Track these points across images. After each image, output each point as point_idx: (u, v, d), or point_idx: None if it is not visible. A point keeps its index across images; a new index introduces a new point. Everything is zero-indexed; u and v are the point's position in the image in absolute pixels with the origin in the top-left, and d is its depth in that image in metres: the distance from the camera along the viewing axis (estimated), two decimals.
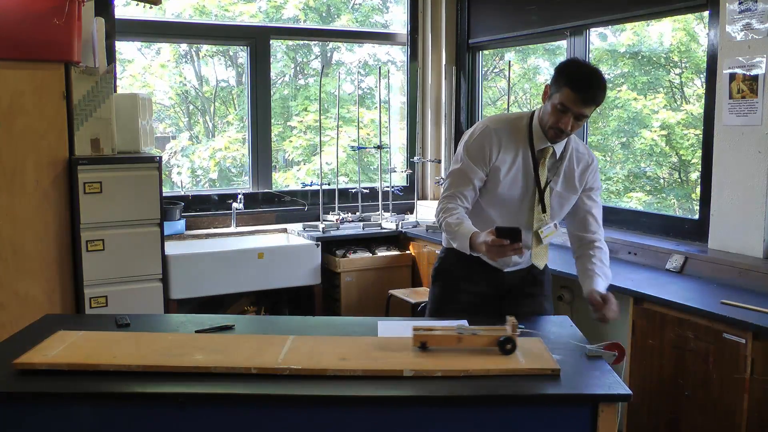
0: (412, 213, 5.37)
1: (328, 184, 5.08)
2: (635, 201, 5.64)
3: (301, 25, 6.04)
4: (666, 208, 5.56)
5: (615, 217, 4.04)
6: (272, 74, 5.29)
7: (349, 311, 4.64)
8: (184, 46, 5.78)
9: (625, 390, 1.83)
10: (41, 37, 3.39)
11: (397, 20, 5.82)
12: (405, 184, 5.51)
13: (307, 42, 6.17)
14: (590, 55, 4.46)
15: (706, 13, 3.56)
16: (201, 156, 5.78)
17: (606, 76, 2.38)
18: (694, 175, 5.37)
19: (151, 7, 4.48)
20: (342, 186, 5.24)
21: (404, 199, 5.36)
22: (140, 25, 4.71)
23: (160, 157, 3.75)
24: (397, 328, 2.31)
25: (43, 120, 3.49)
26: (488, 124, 2.47)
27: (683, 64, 5.70)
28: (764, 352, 2.56)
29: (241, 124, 5.74)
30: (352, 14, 6.28)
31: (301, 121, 6.16)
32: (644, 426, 3.08)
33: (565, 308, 3.71)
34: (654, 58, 5.75)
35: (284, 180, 5.88)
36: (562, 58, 4.84)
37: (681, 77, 5.79)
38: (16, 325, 2.53)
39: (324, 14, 6.32)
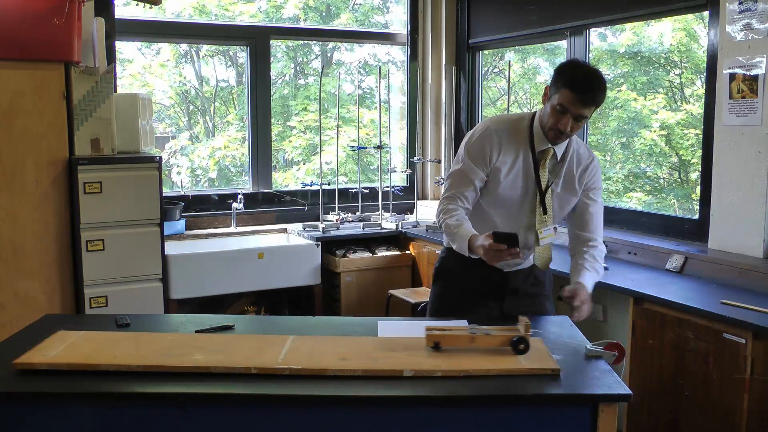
0: (412, 213, 5.37)
1: (328, 184, 5.08)
2: (635, 201, 5.64)
3: (301, 24, 6.04)
4: (666, 208, 5.56)
5: (615, 217, 4.04)
6: (272, 74, 5.29)
7: (349, 311, 4.64)
8: (184, 46, 5.78)
9: (625, 390, 1.83)
10: (41, 37, 3.39)
11: (397, 20, 5.82)
12: (405, 184, 5.51)
13: (307, 42, 6.17)
14: (590, 55, 4.46)
15: (706, 13, 3.56)
16: (200, 155, 5.77)
17: (606, 77, 2.38)
18: (694, 175, 5.37)
19: (151, 7, 4.48)
20: (342, 186, 5.24)
21: (404, 199, 5.36)
22: (140, 25, 4.71)
23: (160, 157, 3.75)
24: (397, 328, 2.31)
25: (43, 120, 3.49)
26: (489, 124, 2.47)
27: (683, 64, 5.69)
28: (764, 352, 2.56)
29: (241, 124, 5.74)
30: (352, 14, 6.28)
31: (301, 121, 6.16)
32: (644, 426, 3.08)
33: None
34: (654, 58, 5.75)
35: (284, 180, 5.87)
36: (562, 58, 4.85)
37: (681, 77, 5.79)
38: (16, 325, 2.53)
39: (324, 13, 6.31)
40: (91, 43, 3.67)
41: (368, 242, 4.89)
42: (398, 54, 5.84)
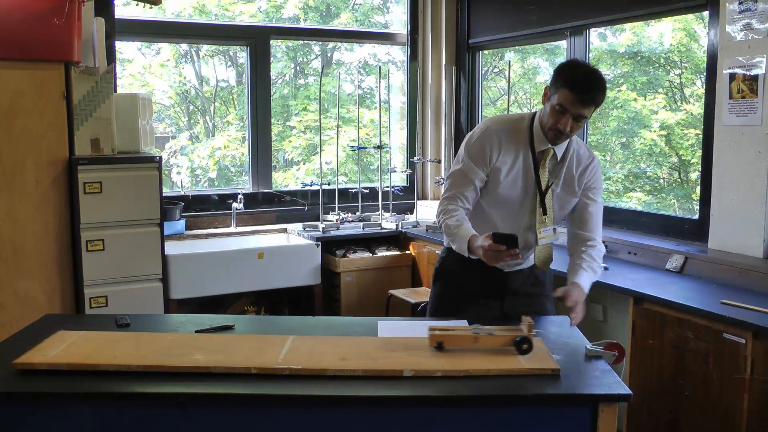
0: (412, 213, 5.37)
1: (328, 184, 5.08)
2: (635, 201, 5.64)
3: (301, 24, 6.04)
4: (666, 208, 5.55)
5: (615, 217, 4.04)
6: (272, 74, 5.29)
7: (349, 311, 4.64)
8: (184, 46, 5.78)
9: (625, 390, 1.83)
10: (41, 37, 3.39)
11: (397, 20, 5.82)
12: (405, 184, 5.51)
13: (307, 42, 6.17)
14: (590, 55, 4.47)
15: (706, 13, 3.56)
16: (200, 155, 5.77)
17: (606, 77, 2.37)
18: (694, 175, 5.37)
19: (151, 7, 4.48)
20: (342, 186, 5.24)
21: (404, 199, 5.36)
22: (140, 25, 4.71)
23: (160, 157, 3.75)
24: (397, 328, 2.31)
25: (43, 120, 3.49)
26: (489, 125, 2.48)
27: (683, 65, 5.69)
28: (764, 352, 2.56)
29: (241, 124, 5.74)
30: (352, 14, 6.28)
31: (301, 121, 6.16)
32: (644, 426, 3.08)
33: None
34: (653, 59, 5.75)
35: (283, 180, 5.88)
36: (562, 58, 4.85)
37: (681, 77, 5.79)
38: (16, 325, 2.53)
39: (324, 13, 6.31)
40: (91, 43, 3.67)
41: (368, 242, 4.89)
42: (398, 54, 5.84)
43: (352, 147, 5.30)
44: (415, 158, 5.47)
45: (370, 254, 4.80)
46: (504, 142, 2.42)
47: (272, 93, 5.29)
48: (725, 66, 3.30)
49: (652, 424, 3.05)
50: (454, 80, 5.34)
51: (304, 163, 6.06)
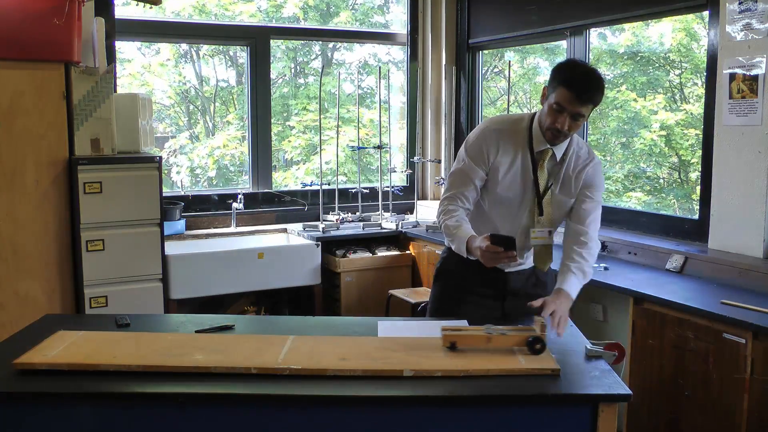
0: (412, 213, 5.37)
1: (328, 184, 5.08)
2: (634, 200, 5.64)
3: (301, 24, 6.04)
4: (666, 208, 5.55)
5: (615, 217, 4.04)
6: (272, 74, 5.29)
7: (349, 311, 4.64)
8: (184, 46, 5.78)
9: (625, 390, 1.83)
10: (41, 37, 3.39)
11: (397, 20, 5.82)
12: (405, 184, 5.51)
13: (307, 42, 6.17)
14: (590, 56, 4.47)
15: (706, 13, 3.56)
16: (199, 154, 5.77)
17: (605, 77, 2.37)
18: (694, 175, 5.37)
19: (151, 7, 4.48)
20: (342, 186, 5.24)
21: (404, 199, 5.36)
22: (140, 25, 4.71)
23: (160, 157, 3.75)
24: (397, 328, 2.31)
25: (43, 120, 3.49)
26: (488, 125, 2.48)
27: (683, 65, 5.69)
28: (764, 352, 2.56)
29: (241, 124, 5.74)
30: (352, 13, 6.28)
31: (300, 121, 6.16)
32: (644, 426, 3.09)
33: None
34: (653, 59, 5.75)
35: (283, 179, 5.88)
36: (562, 58, 4.84)
37: (680, 77, 5.79)
38: (16, 325, 2.53)
39: (324, 12, 6.31)
40: (91, 43, 3.67)
41: (368, 242, 4.89)
42: (398, 54, 5.84)
43: (352, 147, 5.30)
44: (415, 158, 5.47)
45: (370, 254, 4.80)
46: (502, 142, 2.42)
47: (272, 93, 5.29)
48: (725, 66, 3.30)
49: (652, 424, 3.05)
50: (454, 80, 5.34)
51: (303, 163, 6.07)
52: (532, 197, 2.43)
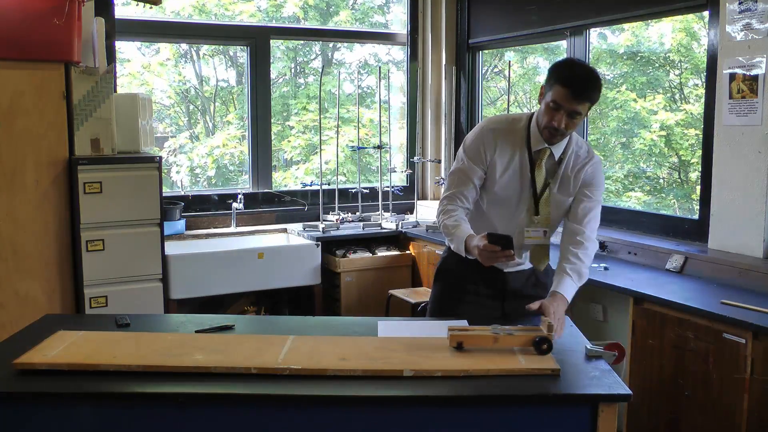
0: (412, 213, 5.37)
1: (328, 184, 5.08)
2: (634, 200, 5.64)
3: (302, 23, 6.04)
4: (666, 208, 5.56)
5: (615, 217, 4.04)
6: (272, 74, 5.29)
7: (349, 311, 4.64)
8: (184, 46, 5.78)
9: (625, 390, 1.83)
10: (41, 37, 3.39)
11: (397, 20, 5.82)
12: (405, 184, 5.51)
13: (307, 41, 6.17)
14: (590, 56, 4.46)
15: (706, 13, 3.56)
16: (199, 153, 5.77)
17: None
18: (694, 175, 5.37)
19: (151, 7, 4.48)
20: (342, 186, 5.24)
21: (404, 199, 5.36)
22: (140, 25, 4.71)
23: (160, 157, 3.75)
24: (397, 328, 2.31)
25: (43, 120, 3.49)
26: (486, 124, 2.48)
27: (683, 65, 5.69)
28: (764, 352, 2.56)
29: (241, 124, 5.74)
30: (352, 12, 6.28)
31: (300, 121, 6.16)
32: (644, 426, 3.09)
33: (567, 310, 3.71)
34: (653, 59, 5.75)
35: (283, 179, 5.88)
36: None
37: (680, 77, 5.79)
38: (16, 325, 2.53)
39: (324, 11, 6.31)
40: (91, 43, 3.67)
41: (368, 242, 4.89)
42: (398, 54, 5.84)
43: (352, 147, 5.30)
44: (415, 158, 5.47)
45: (370, 254, 4.80)
46: (500, 141, 2.42)
47: (272, 92, 5.29)
48: (725, 66, 3.30)
49: (652, 424, 3.05)
50: (454, 80, 5.34)
51: (303, 163, 6.07)
52: (529, 197, 2.43)
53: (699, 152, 3.90)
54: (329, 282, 4.71)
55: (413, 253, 4.87)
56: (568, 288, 2.30)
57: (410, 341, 2.11)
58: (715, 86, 3.37)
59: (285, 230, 4.91)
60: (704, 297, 2.97)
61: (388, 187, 5.19)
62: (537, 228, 2.42)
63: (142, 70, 5.70)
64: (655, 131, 5.60)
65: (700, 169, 3.68)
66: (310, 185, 4.98)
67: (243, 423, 1.81)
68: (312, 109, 6.05)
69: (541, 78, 6.13)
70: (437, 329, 2.20)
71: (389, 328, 2.31)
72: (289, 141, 6.05)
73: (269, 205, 5.04)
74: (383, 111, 5.21)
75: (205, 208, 4.84)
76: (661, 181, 5.87)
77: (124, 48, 5.39)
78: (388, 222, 4.94)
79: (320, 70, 5.56)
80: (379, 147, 5.12)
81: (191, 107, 6.34)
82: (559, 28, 4.43)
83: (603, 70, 5.76)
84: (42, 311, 3.09)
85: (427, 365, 1.92)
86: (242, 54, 5.50)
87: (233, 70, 6.13)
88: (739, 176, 3.28)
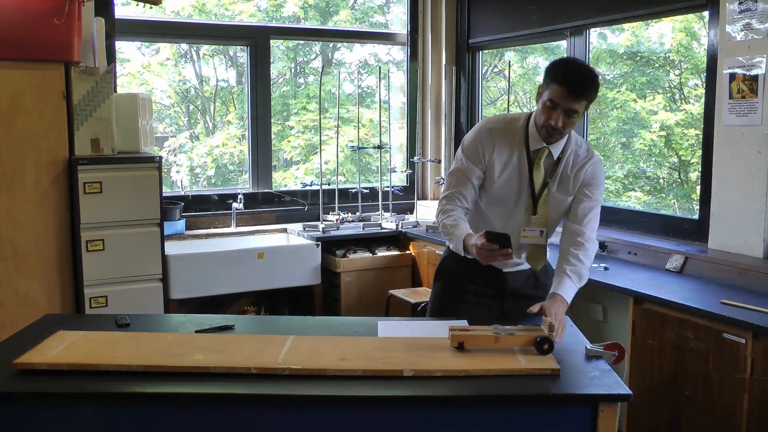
0: (412, 213, 5.37)
1: (328, 184, 5.08)
2: (634, 200, 5.64)
3: (302, 23, 6.04)
4: (666, 208, 5.56)
5: (614, 217, 4.04)
6: (272, 73, 5.28)
7: (349, 311, 4.64)
8: (183, 45, 5.78)
9: (625, 390, 1.83)
10: (41, 37, 3.39)
11: (397, 20, 5.82)
12: (405, 184, 5.51)
13: (307, 41, 6.17)
14: (590, 56, 4.46)
15: (706, 13, 3.56)
16: (199, 153, 5.77)
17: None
18: (694, 175, 5.37)
19: (151, 7, 4.48)
20: (342, 186, 5.24)
21: (404, 199, 5.36)
22: (140, 25, 4.71)
23: (160, 157, 3.75)
24: (397, 328, 2.31)
25: (43, 120, 3.49)
26: (484, 124, 2.49)
27: (682, 65, 5.69)
28: (764, 352, 2.56)
29: (241, 123, 5.74)
30: (352, 12, 6.28)
31: (300, 121, 6.16)
32: (644, 426, 3.08)
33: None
34: (653, 59, 5.75)
35: (283, 179, 5.88)
36: None
37: (680, 78, 5.79)
38: (16, 325, 2.53)
39: (324, 11, 6.31)
40: (91, 43, 3.67)
41: (368, 242, 4.89)
42: (398, 54, 5.84)
43: (352, 147, 5.30)
44: (415, 158, 5.47)
45: (370, 254, 4.80)
46: (498, 141, 2.42)
47: (272, 92, 5.29)
48: (725, 66, 3.30)
49: (652, 424, 3.05)
50: (454, 80, 5.34)
51: (303, 163, 6.07)
52: (528, 196, 2.43)
53: (699, 152, 3.90)
54: (329, 282, 4.71)
55: (413, 253, 4.87)
56: (568, 290, 2.30)
57: (410, 341, 2.11)
58: (715, 86, 3.37)
59: (285, 230, 4.91)
60: (704, 297, 2.97)
61: (388, 187, 5.19)
62: (534, 228, 2.42)
63: (142, 70, 5.70)
64: (655, 131, 5.60)
65: (700, 169, 3.67)
66: (310, 185, 4.98)
67: (243, 423, 1.81)
68: (312, 109, 6.05)
69: (541, 78, 6.15)
70: (437, 329, 2.20)
71: (389, 328, 2.31)
72: (288, 141, 6.05)
73: (269, 205, 5.04)
74: (383, 111, 5.21)
75: (205, 208, 4.84)
76: (661, 181, 5.87)
77: (124, 48, 5.39)
78: (388, 222, 4.94)
79: (320, 70, 5.56)
80: (379, 147, 5.12)
81: (191, 107, 6.34)
82: (559, 28, 4.43)
83: (603, 70, 5.76)
84: (42, 311, 3.09)
85: (427, 365, 1.92)
86: (242, 54, 5.50)
87: (233, 70, 6.13)
88: (739, 176, 3.28)
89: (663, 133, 5.56)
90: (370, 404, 1.82)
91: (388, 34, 5.70)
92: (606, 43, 5.70)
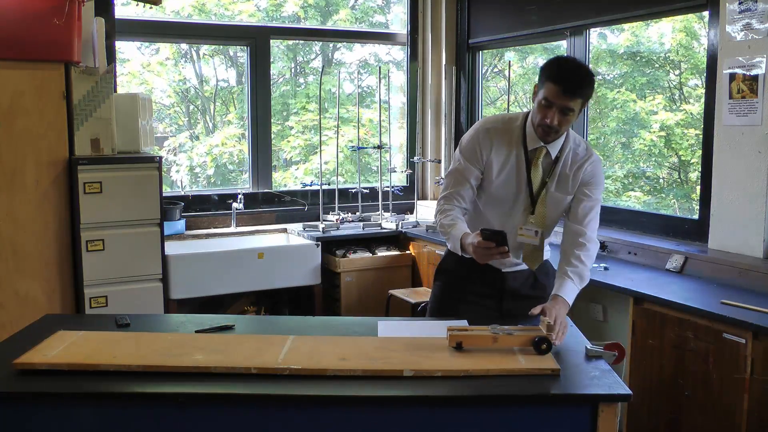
0: (412, 213, 5.37)
1: (328, 184, 5.08)
2: (634, 200, 5.64)
3: (302, 23, 6.04)
4: (666, 208, 5.56)
5: (614, 217, 4.04)
6: (272, 73, 5.28)
7: (349, 311, 4.64)
8: (183, 45, 5.78)
9: (625, 390, 1.83)
10: (41, 37, 3.39)
11: (397, 20, 5.82)
12: (405, 184, 5.51)
13: (307, 41, 6.18)
14: (590, 56, 4.46)
15: (706, 13, 3.56)
16: (198, 152, 5.77)
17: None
18: (694, 175, 5.37)
19: (151, 7, 4.48)
20: (342, 186, 5.24)
21: (404, 199, 5.36)
22: (140, 25, 4.71)
23: (160, 157, 3.75)
24: (397, 328, 2.31)
25: (43, 120, 3.49)
26: (482, 124, 2.49)
27: (682, 65, 5.69)
28: (764, 352, 2.56)
29: (241, 123, 5.74)
30: (352, 12, 6.27)
31: (299, 121, 6.15)
32: (644, 426, 3.09)
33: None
34: (653, 59, 5.75)
35: (282, 179, 5.88)
36: None
37: (680, 78, 5.79)
38: (16, 325, 2.54)
39: (324, 11, 6.31)
40: (91, 43, 3.68)
41: (368, 242, 4.89)
42: (398, 54, 5.84)
43: (352, 147, 5.30)
44: (415, 158, 5.47)
45: (370, 254, 4.80)
46: (496, 141, 2.42)
47: (272, 92, 5.29)
48: (725, 66, 3.30)
49: (652, 424, 3.05)
50: (454, 80, 5.34)
51: (303, 163, 6.07)
52: (526, 196, 2.43)
53: (699, 152, 3.90)
54: (329, 282, 4.72)
55: (413, 253, 4.87)
56: (569, 291, 2.30)
57: (410, 341, 2.11)
58: (715, 86, 3.37)
59: (285, 230, 4.91)
60: (704, 297, 2.97)
61: (388, 187, 5.19)
62: (530, 227, 2.41)
63: (142, 70, 5.70)
64: (654, 131, 5.60)
65: (700, 169, 3.67)
66: (310, 185, 4.98)
67: (243, 423, 1.81)
68: (312, 108, 6.05)
69: None
70: (437, 329, 2.20)
71: (389, 328, 2.31)
72: (288, 141, 6.05)
73: (269, 205, 5.04)
74: (383, 111, 5.21)
75: (205, 208, 4.84)
76: (661, 181, 5.87)
77: (124, 48, 5.39)
78: (388, 222, 4.94)
79: (320, 69, 5.56)
80: (379, 147, 5.12)
81: (191, 107, 6.33)
82: (559, 28, 4.43)
83: (603, 70, 5.76)
84: (42, 311, 3.09)
85: (427, 365, 1.92)
86: (242, 54, 5.50)
87: (233, 69, 6.13)
88: (739, 176, 3.28)
89: (663, 133, 5.56)
90: (370, 404, 1.82)
91: (388, 34, 5.70)
92: (606, 43, 5.69)
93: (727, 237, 3.35)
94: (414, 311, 4.27)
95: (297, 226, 4.88)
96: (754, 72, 3.17)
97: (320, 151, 5.16)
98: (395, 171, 5.36)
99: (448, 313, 2.46)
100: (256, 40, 5.00)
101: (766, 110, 3.14)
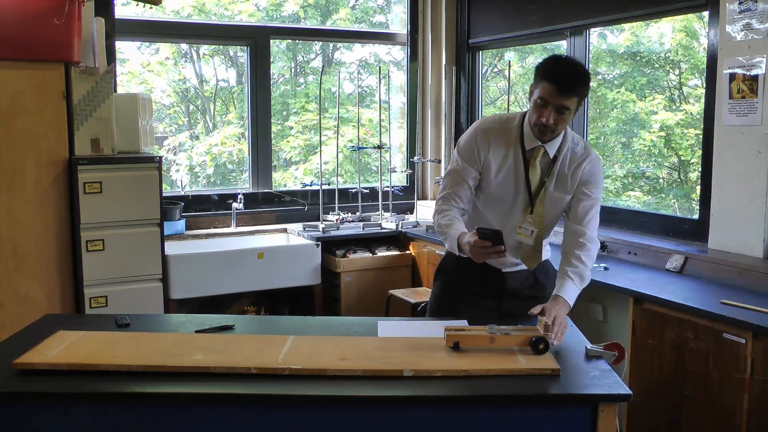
0: (412, 213, 5.37)
1: (328, 184, 5.08)
2: (634, 200, 5.64)
3: (302, 23, 6.04)
4: (666, 208, 5.56)
5: (614, 217, 4.04)
6: (272, 73, 5.28)
7: (349, 311, 4.64)
8: (183, 45, 5.78)
9: (625, 390, 1.84)
10: (41, 37, 3.39)
11: (397, 20, 5.82)
12: (405, 184, 5.51)
13: (307, 41, 6.18)
14: (590, 56, 4.46)
15: (706, 13, 3.56)
16: (198, 152, 5.77)
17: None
18: (694, 175, 5.37)
19: (151, 7, 4.48)
20: (342, 186, 5.24)
21: (404, 199, 5.36)
22: (140, 25, 4.71)
23: (160, 157, 3.75)
24: (397, 328, 2.31)
25: (43, 120, 3.49)
26: (479, 124, 2.49)
27: (682, 65, 5.69)
28: (764, 352, 2.56)
29: (241, 123, 5.74)
30: (352, 11, 6.27)
31: (299, 121, 6.15)
32: (644, 426, 3.09)
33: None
34: (653, 59, 5.75)
35: (282, 179, 5.88)
36: None
37: (680, 78, 5.79)
38: (16, 325, 2.54)
39: (324, 10, 6.31)
40: (91, 43, 3.68)
41: (368, 242, 4.89)
42: (398, 54, 5.84)
43: (352, 147, 5.30)
44: (415, 158, 5.47)
45: (370, 254, 4.80)
46: (493, 141, 2.42)
47: (272, 92, 5.29)
48: (725, 66, 3.30)
49: (652, 424, 3.05)
50: (454, 80, 5.34)
51: (302, 163, 6.07)
52: (525, 196, 2.43)
53: (699, 152, 3.90)
54: (329, 282, 4.72)
55: (413, 253, 4.87)
56: (570, 292, 2.30)
57: (410, 341, 2.11)
58: (715, 86, 3.37)
59: (285, 230, 4.91)
60: (704, 297, 2.97)
61: (388, 187, 5.19)
62: (527, 227, 2.42)
63: (142, 70, 5.70)
64: (654, 131, 5.60)
65: (700, 169, 3.67)
66: (310, 185, 4.98)
67: (243, 423, 1.81)
68: (311, 108, 6.05)
69: None
70: (437, 329, 2.20)
71: (389, 328, 2.31)
72: (288, 141, 6.05)
73: (269, 205, 5.04)
74: (383, 111, 5.21)
75: (205, 208, 4.84)
76: (661, 181, 5.87)
77: (124, 48, 5.39)
78: (388, 222, 4.94)
79: (320, 69, 5.56)
80: (379, 147, 5.12)
81: (191, 107, 6.34)
82: (559, 28, 4.43)
83: (603, 70, 5.77)
84: (42, 311, 3.09)
85: (427, 365, 1.92)
86: (242, 54, 5.50)
87: (233, 69, 6.13)
88: (739, 176, 3.28)
89: (663, 133, 5.56)
90: (370, 404, 1.82)
91: (388, 34, 5.70)
92: (606, 43, 5.70)
93: (727, 237, 3.35)
94: (414, 311, 4.27)
95: (297, 226, 4.88)
96: (754, 72, 3.17)
97: (320, 151, 5.16)
98: (395, 171, 5.36)
99: (448, 313, 2.46)
100: (256, 40, 5.00)
101: (766, 110, 3.14)
